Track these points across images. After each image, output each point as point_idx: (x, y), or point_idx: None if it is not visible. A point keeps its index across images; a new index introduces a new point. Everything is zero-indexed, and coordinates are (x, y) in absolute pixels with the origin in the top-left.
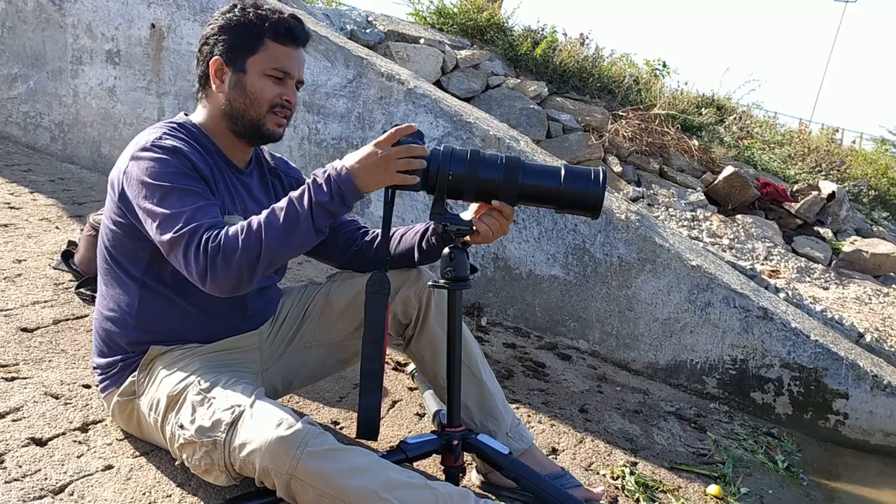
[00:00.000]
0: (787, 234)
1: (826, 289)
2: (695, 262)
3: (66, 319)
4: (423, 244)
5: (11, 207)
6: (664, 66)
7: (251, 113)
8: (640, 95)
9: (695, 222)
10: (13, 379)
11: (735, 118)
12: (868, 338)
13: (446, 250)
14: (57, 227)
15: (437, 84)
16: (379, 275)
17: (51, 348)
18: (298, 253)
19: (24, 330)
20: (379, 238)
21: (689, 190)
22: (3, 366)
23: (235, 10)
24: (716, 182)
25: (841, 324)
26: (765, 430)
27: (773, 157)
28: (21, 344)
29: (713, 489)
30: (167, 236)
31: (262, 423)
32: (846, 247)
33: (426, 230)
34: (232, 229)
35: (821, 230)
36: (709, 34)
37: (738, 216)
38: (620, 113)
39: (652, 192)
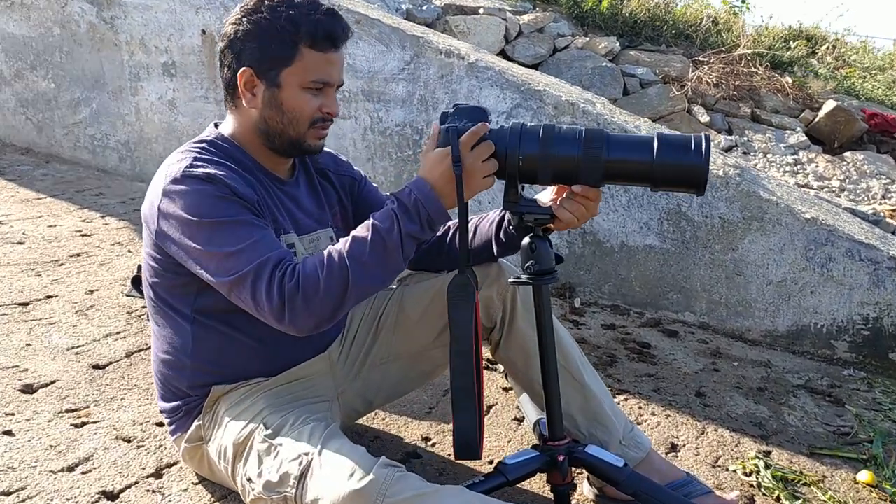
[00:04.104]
0: None
1: None
2: (809, 213)
3: (139, 350)
4: (501, 235)
5: (83, 235)
6: (743, 1)
7: (290, 132)
8: (720, 38)
9: (798, 166)
10: (83, 424)
11: (828, 48)
12: None
13: (526, 240)
14: (129, 251)
15: (502, 54)
16: (461, 277)
17: (123, 384)
18: (385, 287)
19: (96, 367)
20: (453, 232)
21: (788, 132)
22: (73, 410)
23: (263, 10)
24: (817, 119)
25: None
26: None
27: (877, 85)
28: (92, 383)
29: (864, 476)
30: (227, 279)
31: (333, 475)
32: None
33: (502, 218)
34: (309, 264)
35: None
36: None
37: (847, 154)
38: (701, 59)
39: (746, 138)
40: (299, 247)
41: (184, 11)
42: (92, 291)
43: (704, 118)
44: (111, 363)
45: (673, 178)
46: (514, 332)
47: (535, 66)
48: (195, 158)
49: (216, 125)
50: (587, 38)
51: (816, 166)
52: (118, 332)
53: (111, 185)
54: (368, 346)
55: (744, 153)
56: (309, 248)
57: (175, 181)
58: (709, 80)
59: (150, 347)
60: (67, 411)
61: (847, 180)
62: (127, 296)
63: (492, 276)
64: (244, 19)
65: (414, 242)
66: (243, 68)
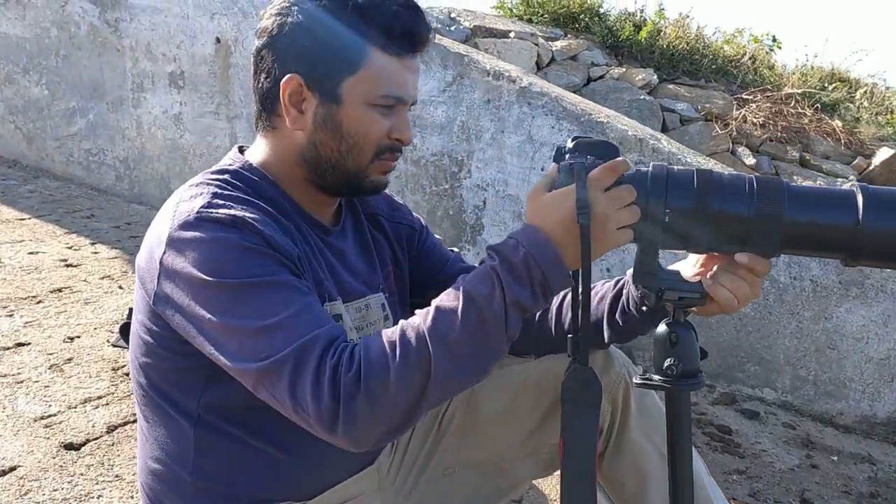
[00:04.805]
0: None
1: None
2: None
3: (125, 423)
4: (618, 317)
5: (68, 265)
6: (774, 40)
7: (348, 163)
8: (759, 76)
9: None
10: None
11: (864, 92)
12: None
13: (662, 328)
14: (120, 287)
15: None
16: (584, 371)
17: (102, 474)
18: (479, 381)
19: (69, 447)
20: (562, 307)
21: (840, 180)
22: None
23: None
24: (871, 168)
25: None
26: None
27: None
28: (63, 471)
29: None
30: (254, 365)
31: None
32: None
33: (619, 292)
34: (374, 347)
35: None
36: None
37: None
38: (745, 97)
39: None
40: (346, 319)
41: (197, 17)
42: (72, 339)
43: (750, 160)
44: (88, 441)
45: (885, 250)
46: (626, 444)
47: None
48: (214, 195)
49: (241, 150)
50: (623, 69)
51: None
52: (99, 397)
53: (105, 206)
54: (428, 454)
55: None
56: (356, 319)
57: (185, 226)
58: (754, 121)
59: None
60: None
61: None
62: (113, 346)
63: (599, 366)
64: (294, 8)
65: (521, 315)
66: (289, 75)
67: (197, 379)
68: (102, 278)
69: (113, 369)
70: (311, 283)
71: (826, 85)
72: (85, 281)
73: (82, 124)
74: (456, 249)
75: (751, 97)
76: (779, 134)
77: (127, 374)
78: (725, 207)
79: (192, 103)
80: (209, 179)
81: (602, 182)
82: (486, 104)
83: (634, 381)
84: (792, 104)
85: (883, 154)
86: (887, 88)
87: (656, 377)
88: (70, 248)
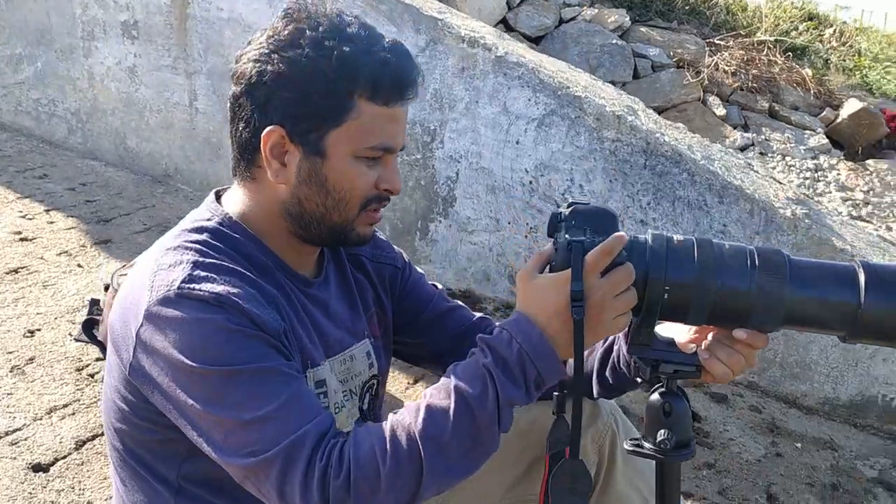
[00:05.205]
0: None
1: None
2: None
3: (94, 436)
4: (608, 374)
5: (23, 239)
6: None
7: (334, 217)
8: (731, 16)
9: (819, 173)
10: None
11: (834, 31)
12: None
13: (655, 397)
14: (79, 265)
15: (503, 22)
16: (573, 463)
17: (73, 500)
18: (469, 477)
19: (37, 468)
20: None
21: (808, 132)
22: None
23: (304, 43)
24: (839, 121)
25: None
26: None
27: (891, 79)
28: (33, 498)
29: None
30: (241, 462)
31: None
32: None
33: (609, 346)
34: (364, 446)
35: None
36: None
37: (870, 161)
38: (718, 41)
39: (763, 137)
40: (331, 381)
41: None
42: (32, 332)
43: (720, 111)
44: (57, 461)
45: (885, 329)
46: (612, 494)
47: (539, 38)
48: (195, 265)
49: (218, 196)
50: (595, 10)
51: (838, 174)
52: (65, 405)
53: (58, 163)
54: None
55: (761, 153)
56: (341, 372)
57: (165, 301)
58: (726, 68)
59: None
60: None
61: (871, 192)
62: (76, 340)
63: (584, 415)
64: (275, 56)
65: (512, 410)
66: (271, 127)
67: (177, 451)
68: (60, 254)
69: (77, 369)
70: (297, 352)
71: (798, 25)
72: (42, 259)
73: (30, 72)
74: (440, 286)
75: (723, 42)
76: (749, 83)
77: (91, 376)
78: (727, 284)
79: (148, 55)
80: (188, 243)
81: (599, 266)
82: (461, 72)
83: (626, 446)
84: (764, 51)
85: (851, 107)
86: (856, 25)
87: (647, 445)
88: (24, 216)
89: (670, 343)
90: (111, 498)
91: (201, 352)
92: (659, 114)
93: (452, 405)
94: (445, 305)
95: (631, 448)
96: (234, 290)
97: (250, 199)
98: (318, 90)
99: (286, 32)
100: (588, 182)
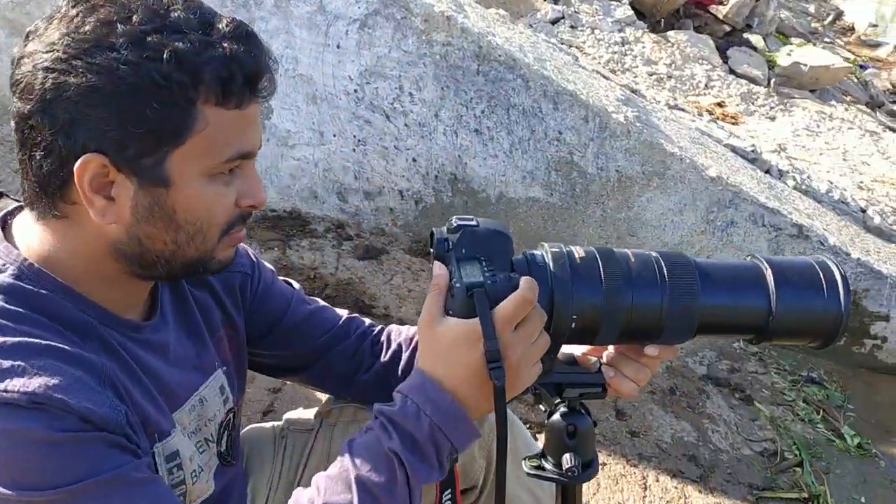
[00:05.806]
0: (717, 44)
1: (773, 119)
2: (712, 170)
3: None
4: None
5: None
6: None
7: (188, 252)
8: None
9: (625, 46)
10: None
11: None
12: (876, 220)
13: (556, 418)
14: None
15: None
16: None
17: None
18: None
19: None
20: (408, 356)
21: (614, 3)
22: None
23: (118, 43)
24: None
25: (846, 203)
26: (805, 377)
27: None
28: None
29: None
30: None
31: None
32: (781, 59)
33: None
34: None
35: (751, 37)
36: None
37: (671, 34)
38: None
39: (573, 10)
40: (184, 448)
41: None
42: None
43: None
44: None
45: (794, 330)
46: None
47: None
48: (6, 348)
49: (5, 223)
50: None
51: (643, 47)
52: None
53: None
54: None
55: (572, 27)
56: (192, 421)
57: None
58: None
59: None
60: None
61: (673, 65)
62: None
63: None
64: (77, 63)
65: (423, 483)
66: (86, 156)
67: None
68: None
69: None
70: (141, 430)
71: None
72: None
73: None
74: (297, 285)
75: None
76: None
77: None
78: (638, 302)
79: None
80: None
81: (514, 320)
82: None
83: (524, 468)
84: None
85: None
86: None
87: (549, 466)
88: None
89: (571, 362)
90: None
91: (20, 476)
92: None
93: (355, 500)
94: (305, 309)
95: (532, 472)
96: (54, 381)
97: (58, 240)
98: (147, 104)
99: (88, 28)
100: (419, 90)
